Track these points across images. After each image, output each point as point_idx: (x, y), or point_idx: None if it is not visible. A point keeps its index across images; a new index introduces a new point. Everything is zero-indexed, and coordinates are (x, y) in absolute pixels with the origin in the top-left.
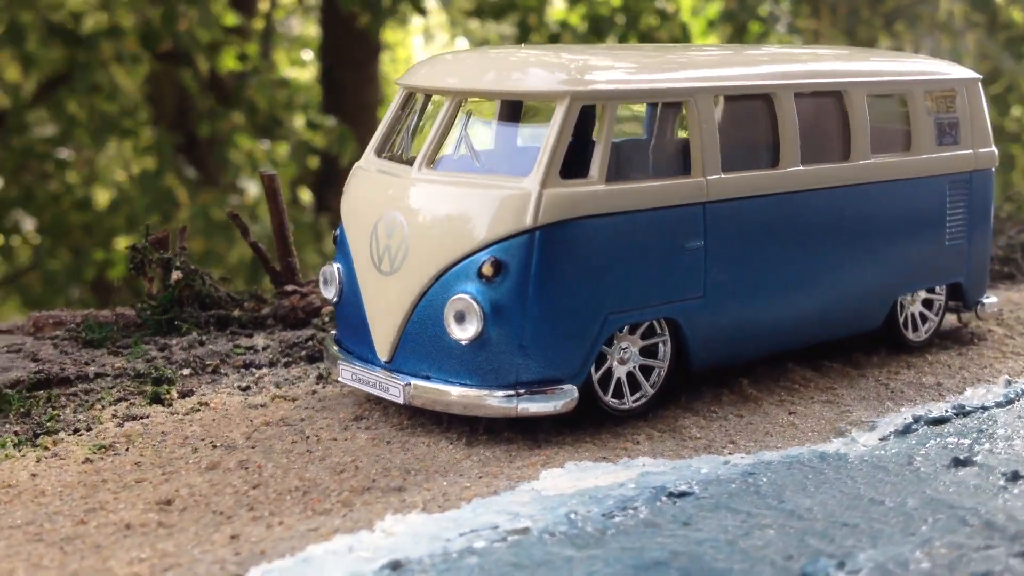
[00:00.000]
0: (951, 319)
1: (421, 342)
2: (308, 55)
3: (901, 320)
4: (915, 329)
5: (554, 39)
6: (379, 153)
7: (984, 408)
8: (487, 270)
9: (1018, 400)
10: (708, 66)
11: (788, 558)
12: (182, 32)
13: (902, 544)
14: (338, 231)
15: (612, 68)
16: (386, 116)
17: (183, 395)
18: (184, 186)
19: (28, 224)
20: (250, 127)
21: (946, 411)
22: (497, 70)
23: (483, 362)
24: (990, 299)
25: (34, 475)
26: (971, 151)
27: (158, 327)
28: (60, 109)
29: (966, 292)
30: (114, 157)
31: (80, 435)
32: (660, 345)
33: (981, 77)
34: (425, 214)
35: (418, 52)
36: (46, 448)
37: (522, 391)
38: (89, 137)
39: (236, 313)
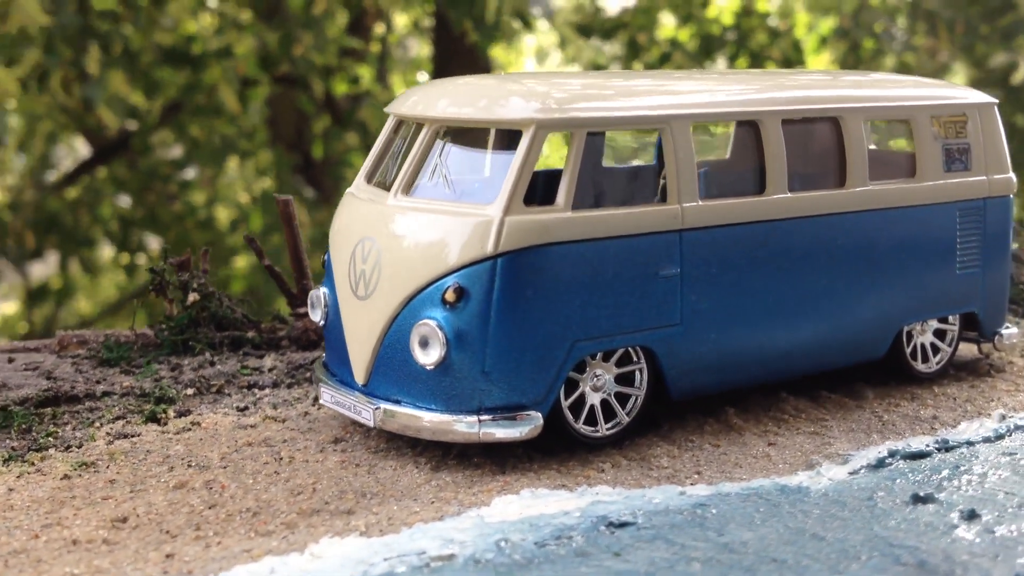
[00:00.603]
0: (971, 350)
1: (392, 367)
2: (423, 77)
3: (908, 350)
4: (925, 360)
5: (665, 58)
6: (369, 179)
7: (970, 443)
8: (450, 296)
9: (1008, 435)
10: (687, 93)
11: None
12: (297, 56)
13: None
14: (327, 256)
15: (585, 96)
16: (377, 142)
17: (180, 415)
18: (303, 205)
19: (153, 243)
20: (363, 148)
21: (927, 445)
22: (472, 99)
23: (447, 387)
24: (1010, 330)
25: (11, 490)
26: (984, 178)
27: (174, 347)
28: (183, 131)
29: (982, 322)
30: (235, 178)
31: (69, 452)
32: (637, 373)
33: (997, 102)
34: (396, 240)
35: None
36: (32, 464)
37: (486, 417)
38: (210, 158)
39: (250, 335)
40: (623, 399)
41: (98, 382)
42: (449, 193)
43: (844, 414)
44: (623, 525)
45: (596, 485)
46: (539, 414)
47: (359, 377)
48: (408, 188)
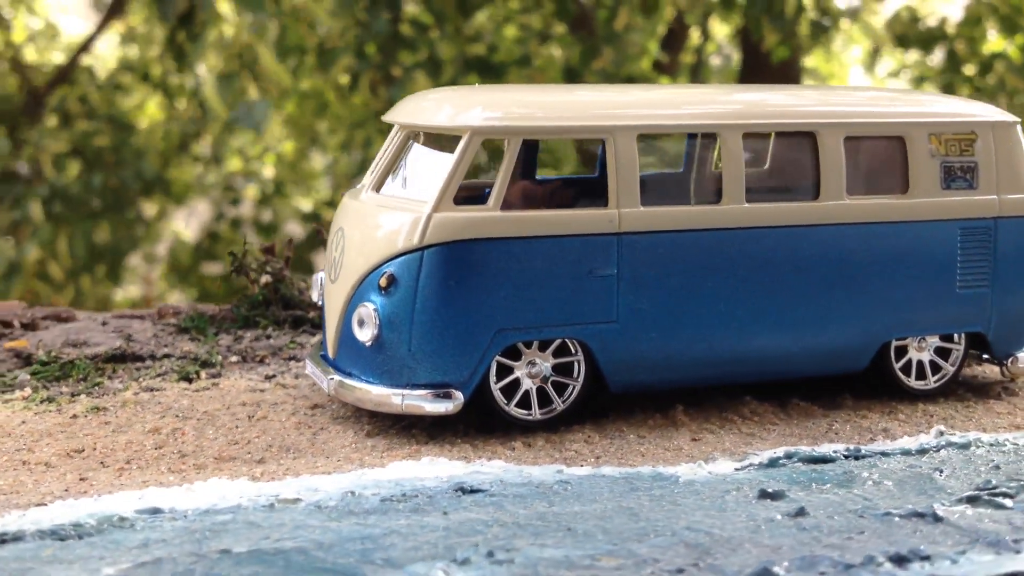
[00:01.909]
0: (994, 371)
1: (348, 343)
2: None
3: (899, 365)
4: (921, 377)
5: (986, 69)
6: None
7: (884, 454)
8: (383, 282)
9: (931, 452)
10: (636, 106)
11: (475, 547)
12: (596, 70)
13: (572, 548)
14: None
15: (525, 107)
16: (383, 146)
17: (212, 376)
18: None
19: None
20: None
21: (834, 451)
22: (432, 107)
23: (381, 364)
24: None
25: (24, 422)
26: (994, 197)
27: (245, 321)
28: None
29: (992, 344)
30: None
31: (97, 398)
32: (575, 364)
33: (1018, 121)
34: (357, 230)
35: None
36: (59, 404)
37: (414, 391)
38: None
39: (311, 315)
40: (561, 388)
41: (165, 346)
42: (404, 191)
43: (800, 420)
44: (473, 491)
45: (493, 460)
46: (460, 393)
47: (330, 351)
48: (379, 186)
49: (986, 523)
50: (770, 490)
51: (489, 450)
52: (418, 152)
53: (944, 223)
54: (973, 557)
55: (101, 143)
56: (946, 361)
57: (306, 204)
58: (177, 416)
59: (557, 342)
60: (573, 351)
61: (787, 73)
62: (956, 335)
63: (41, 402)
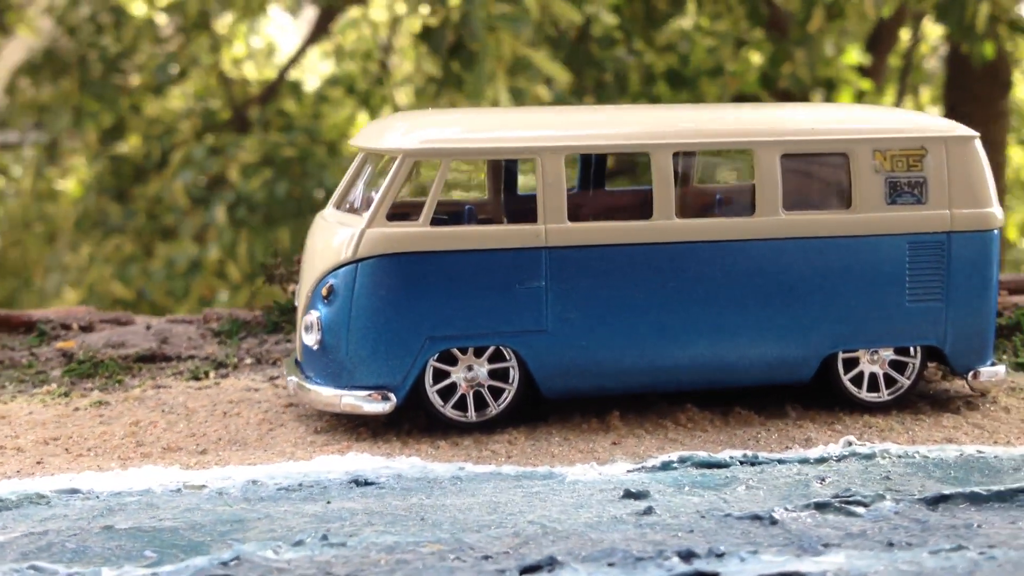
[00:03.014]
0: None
1: (305, 349)
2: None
3: (848, 377)
4: (873, 389)
5: None
6: None
7: (781, 462)
8: (325, 291)
9: (829, 461)
10: (565, 127)
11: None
12: (787, 74)
13: (408, 536)
14: None
15: (459, 128)
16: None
17: (220, 376)
18: None
19: None
20: None
21: (731, 457)
22: (380, 131)
23: (326, 366)
24: (992, 368)
25: (30, 412)
26: (945, 211)
27: (274, 327)
28: None
29: (949, 358)
30: None
31: (108, 394)
32: (510, 370)
33: (974, 135)
34: (315, 244)
35: None
36: (71, 398)
37: (353, 392)
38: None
39: None
40: (498, 392)
41: (195, 348)
42: (355, 208)
43: (733, 428)
44: (367, 484)
45: (411, 456)
46: (392, 395)
47: (298, 355)
48: (338, 203)
49: (817, 528)
50: (634, 490)
51: (416, 448)
52: (370, 173)
53: (890, 238)
54: (765, 557)
55: (289, 154)
56: (902, 374)
57: None
58: (163, 411)
59: (492, 349)
60: (507, 358)
61: (996, 75)
62: (912, 349)
63: (58, 396)
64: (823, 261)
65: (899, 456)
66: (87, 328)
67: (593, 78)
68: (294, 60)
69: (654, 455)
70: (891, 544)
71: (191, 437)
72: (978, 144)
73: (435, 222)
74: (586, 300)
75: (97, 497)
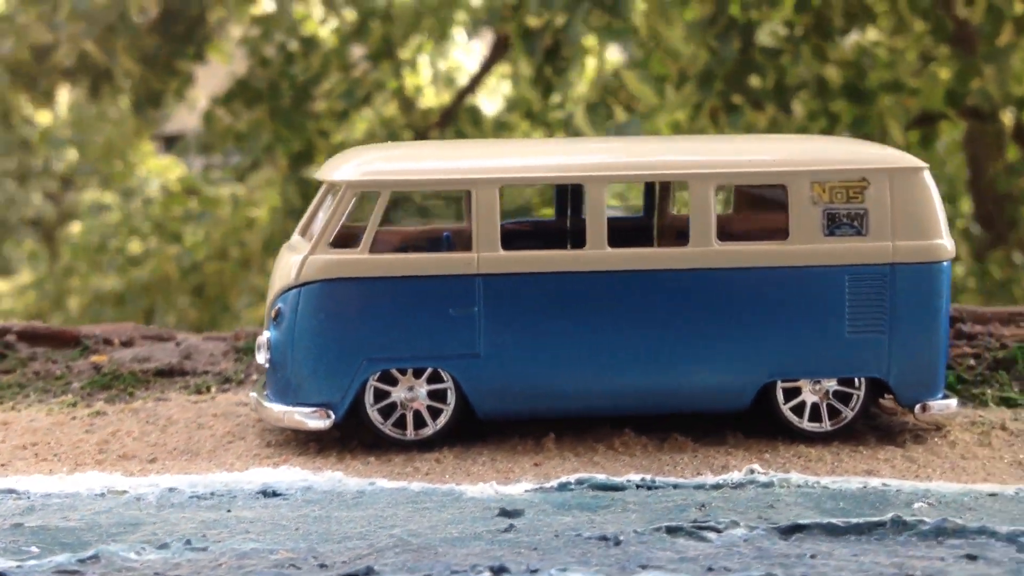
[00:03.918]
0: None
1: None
2: None
3: (788, 407)
4: (815, 419)
5: None
6: None
7: (675, 487)
8: (273, 314)
9: (724, 488)
10: (502, 158)
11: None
12: (975, 90)
13: (268, 543)
14: None
15: (401, 161)
16: None
17: (220, 391)
18: (966, 242)
19: None
20: None
21: (628, 481)
22: (334, 164)
23: (275, 384)
24: (943, 401)
25: (31, 420)
26: (888, 243)
27: None
28: None
29: (895, 390)
30: None
31: (113, 405)
32: (448, 392)
33: (922, 166)
34: (275, 270)
35: None
36: (76, 407)
37: (299, 409)
38: None
39: None
40: (437, 412)
41: (211, 364)
42: (311, 236)
43: (660, 454)
44: (274, 495)
45: (335, 472)
46: (331, 412)
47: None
48: (302, 231)
49: (652, 551)
50: (509, 509)
51: (348, 463)
52: (326, 202)
53: (827, 269)
54: (574, 569)
55: None
56: (847, 405)
57: None
58: (147, 422)
59: (429, 371)
60: (445, 380)
61: None
62: (856, 380)
63: (66, 406)
64: (758, 291)
65: (798, 486)
66: (128, 343)
67: (754, 86)
68: (473, 84)
69: (561, 477)
70: (710, 569)
71: (152, 447)
72: (927, 176)
73: (416, 249)
74: (519, 326)
75: (28, 497)
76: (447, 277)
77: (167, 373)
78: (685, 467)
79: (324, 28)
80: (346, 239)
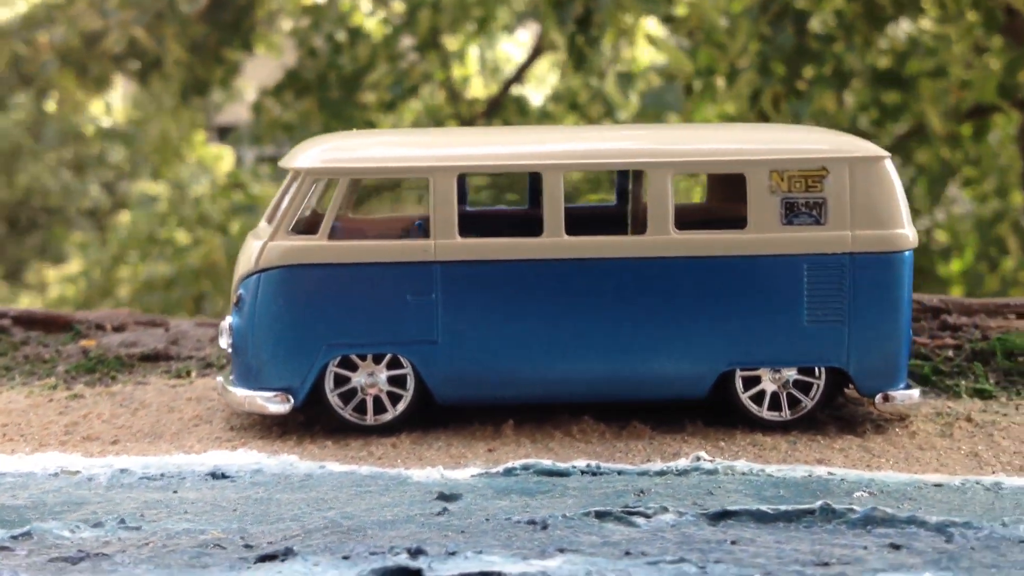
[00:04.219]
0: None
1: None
2: None
3: (747, 395)
4: (775, 408)
5: None
6: None
7: (620, 473)
8: (235, 299)
9: (668, 475)
10: (460, 147)
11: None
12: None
13: (206, 524)
14: None
15: (360, 149)
16: None
17: (199, 376)
18: (1016, 236)
19: None
20: None
21: (573, 467)
22: (296, 152)
23: (238, 369)
24: (906, 391)
25: (9, 402)
26: (846, 232)
27: None
28: (909, 157)
29: (855, 379)
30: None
31: (92, 388)
32: (407, 377)
33: (883, 155)
34: (239, 257)
35: None
36: (55, 390)
37: (260, 394)
38: (929, 186)
39: None
40: (397, 398)
41: (197, 349)
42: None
43: (617, 441)
44: (223, 477)
45: (291, 455)
46: (291, 396)
47: None
48: (270, 219)
49: (577, 535)
50: (447, 493)
51: (306, 447)
52: (289, 190)
53: (785, 258)
54: (488, 557)
55: None
56: (807, 395)
57: None
58: (121, 405)
59: (389, 356)
60: (404, 365)
61: None
62: (816, 369)
63: (47, 389)
64: (716, 280)
65: (743, 474)
66: (119, 328)
67: (810, 72)
68: (518, 75)
69: (511, 463)
70: (628, 553)
71: (118, 429)
72: (888, 164)
73: (388, 236)
74: (476, 313)
75: None
76: (405, 264)
77: (152, 358)
78: (638, 454)
79: (372, 19)
80: (317, 226)
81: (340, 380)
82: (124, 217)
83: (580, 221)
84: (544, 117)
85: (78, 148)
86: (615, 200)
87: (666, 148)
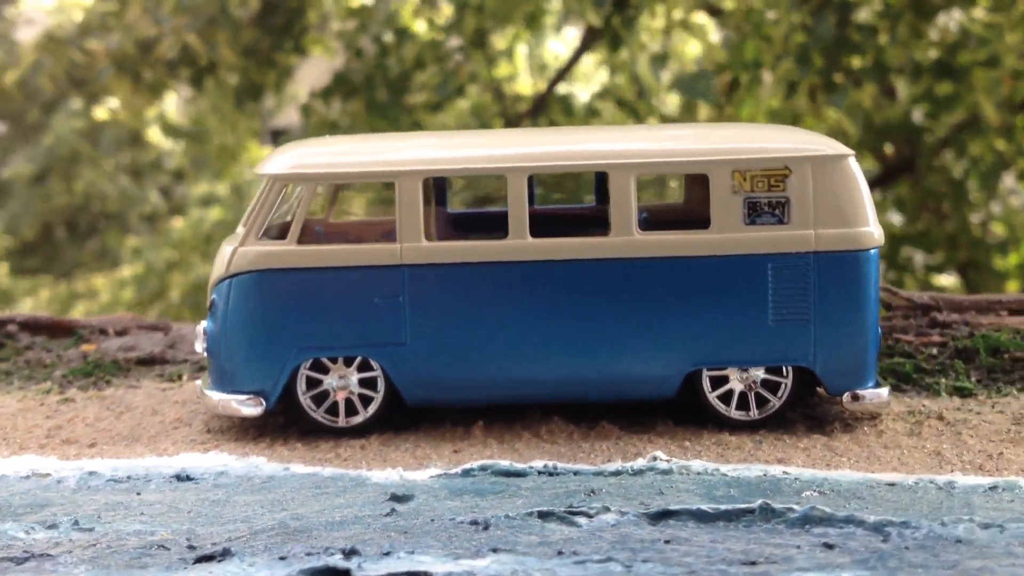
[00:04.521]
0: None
1: None
2: None
3: (715, 394)
4: (743, 407)
5: None
6: None
7: (576, 473)
8: (209, 304)
9: (623, 475)
10: (425, 150)
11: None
12: None
13: (159, 525)
14: None
15: (328, 155)
16: None
17: (192, 379)
18: None
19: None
20: None
21: (530, 467)
22: (271, 156)
23: (212, 372)
24: (875, 390)
25: (2, 405)
26: (809, 231)
27: None
28: (963, 149)
29: (823, 379)
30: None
31: (84, 392)
32: (377, 380)
33: (847, 153)
34: (215, 261)
35: None
36: (48, 395)
37: (234, 397)
38: (983, 177)
39: None
40: (368, 399)
41: (193, 353)
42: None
43: (583, 442)
44: (188, 479)
45: (260, 457)
46: (262, 399)
47: None
48: (245, 223)
49: (516, 535)
50: (399, 494)
51: (276, 449)
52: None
53: (749, 258)
54: (421, 558)
55: None
56: (775, 395)
57: None
58: (107, 409)
59: (359, 359)
60: (374, 368)
61: None
62: (784, 369)
63: (42, 393)
64: (680, 280)
65: (698, 473)
66: (122, 333)
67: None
68: (563, 73)
69: (470, 463)
70: (560, 553)
71: (98, 432)
72: (852, 163)
73: (365, 240)
74: (443, 315)
75: None
76: (373, 267)
77: (148, 361)
78: (600, 454)
79: (418, 20)
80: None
81: (312, 383)
82: (178, 222)
83: (562, 223)
84: (591, 115)
85: (135, 154)
86: (594, 201)
87: (628, 149)
